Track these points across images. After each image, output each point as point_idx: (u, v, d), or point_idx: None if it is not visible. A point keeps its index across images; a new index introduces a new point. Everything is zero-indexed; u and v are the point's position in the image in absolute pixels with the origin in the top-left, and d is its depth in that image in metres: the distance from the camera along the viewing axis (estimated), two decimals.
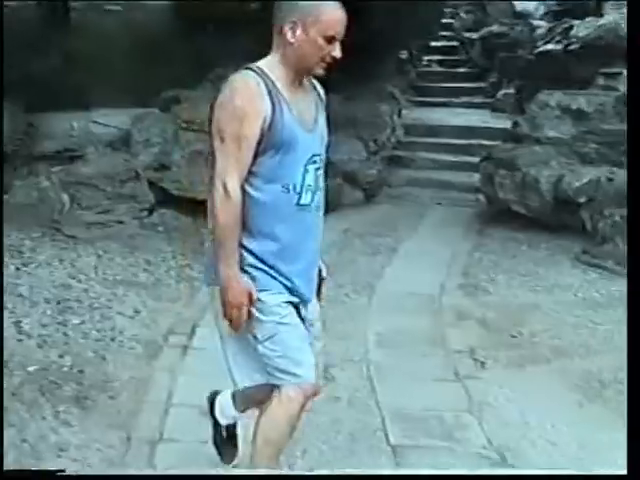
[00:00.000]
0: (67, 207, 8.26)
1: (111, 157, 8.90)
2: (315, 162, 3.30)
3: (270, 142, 3.15)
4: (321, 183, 3.35)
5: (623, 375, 5.22)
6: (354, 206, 10.10)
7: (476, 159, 10.33)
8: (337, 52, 3.23)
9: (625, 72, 12.38)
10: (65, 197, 8.31)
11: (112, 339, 5.59)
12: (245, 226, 3.24)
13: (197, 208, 8.81)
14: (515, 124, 10.48)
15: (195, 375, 5.14)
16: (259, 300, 3.26)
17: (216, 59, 10.93)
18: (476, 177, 10.10)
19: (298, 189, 3.25)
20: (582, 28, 14.55)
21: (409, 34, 13.38)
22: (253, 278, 3.26)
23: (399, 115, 12.92)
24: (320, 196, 3.36)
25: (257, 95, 3.14)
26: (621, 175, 8.34)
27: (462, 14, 17.28)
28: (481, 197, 9.97)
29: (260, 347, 3.31)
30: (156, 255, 7.53)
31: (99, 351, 5.36)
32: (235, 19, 11.73)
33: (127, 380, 4.99)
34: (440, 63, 16.63)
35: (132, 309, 6.17)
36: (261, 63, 3.25)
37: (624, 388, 5.06)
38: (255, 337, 3.31)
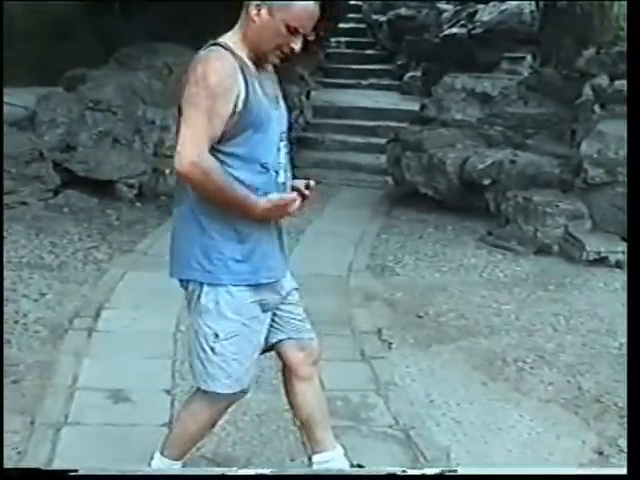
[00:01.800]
0: None
1: (16, 137, 8.72)
2: (283, 140, 3.27)
3: (246, 121, 3.08)
4: (288, 161, 3.31)
5: (525, 353, 5.37)
6: None
7: (384, 141, 10.41)
8: (297, 45, 3.18)
9: (529, 57, 12.65)
10: None
11: (16, 322, 5.49)
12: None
13: (104, 189, 8.75)
14: (422, 107, 10.60)
15: (100, 358, 5.09)
16: (229, 294, 3.20)
17: (122, 38, 10.79)
18: (384, 159, 10.18)
19: (275, 167, 3.21)
20: (486, 13, 14.79)
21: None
22: (227, 268, 3.18)
23: (307, 97, 12.94)
24: (289, 174, 3.32)
25: (232, 73, 3.05)
26: (524, 158, 8.52)
27: None
28: (389, 179, 10.05)
29: (217, 345, 3.23)
30: (62, 237, 7.43)
31: (3, 335, 5.26)
32: None
33: (32, 364, 4.91)
34: (348, 45, 16.70)
35: (37, 292, 6.07)
36: (227, 40, 3.15)
37: (525, 366, 5.20)
38: (216, 334, 3.23)
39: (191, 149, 3.02)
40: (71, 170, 8.76)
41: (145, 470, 3.28)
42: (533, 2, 12.08)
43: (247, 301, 3.24)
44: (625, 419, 4.46)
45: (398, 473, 2.78)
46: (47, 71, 10.15)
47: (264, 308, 3.30)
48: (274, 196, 3.16)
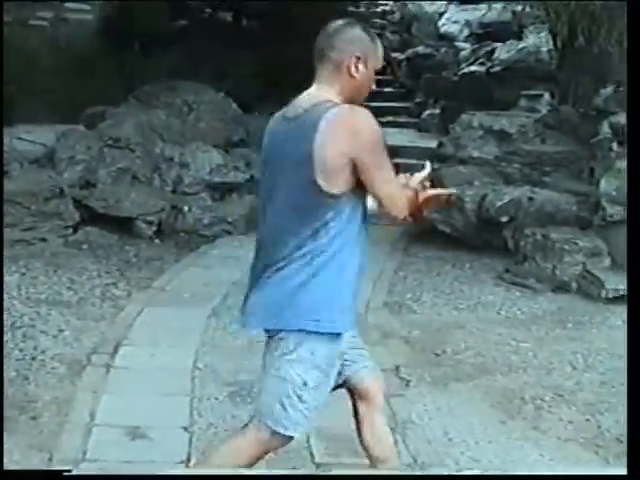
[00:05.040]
0: None
1: (35, 174, 8.81)
2: None
3: None
4: None
5: (543, 392, 5.34)
6: None
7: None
8: (374, 84, 3.38)
9: (546, 94, 12.68)
10: None
11: (34, 358, 5.51)
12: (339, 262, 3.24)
13: (122, 226, 8.80)
14: (440, 144, 10.61)
15: (118, 394, 5.10)
16: (327, 344, 3.27)
17: (141, 76, 10.91)
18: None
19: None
20: (504, 51, 14.85)
21: None
22: (341, 315, 3.28)
23: None
24: None
25: None
26: (542, 195, 8.51)
27: (388, 34, 17.47)
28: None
29: (305, 394, 3.28)
30: (80, 273, 7.45)
31: (21, 371, 5.28)
32: (161, 37, 11.74)
33: (49, 400, 4.92)
34: None
35: (56, 328, 6.09)
36: (331, 98, 3.22)
37: (544, 405, 5.17)
38: (305, 383, 3.27)
39: (401, 202, 3.30)
40: (90, 207, 8.82)
41: (144, 470, 3.27)
42: (551, 40, 12.10)
43: (335, 351, 3.31)
44: None
45: (398, 473, 2.77)
46: (67, 108, 10.25)
47: (339, 355, 3.37)
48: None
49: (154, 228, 8.93)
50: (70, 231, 8.48)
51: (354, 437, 4.42)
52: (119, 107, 10.15)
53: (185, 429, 4.66)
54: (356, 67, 3.22)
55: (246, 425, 3.43)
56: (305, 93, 3.28)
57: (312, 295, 3.21)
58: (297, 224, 3.21)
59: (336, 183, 3.14)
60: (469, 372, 5.67)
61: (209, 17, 13.49)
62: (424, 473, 2.75)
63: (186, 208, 9.24)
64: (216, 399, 5.10)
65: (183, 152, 9.62)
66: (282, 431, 3.33)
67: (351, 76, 3.23)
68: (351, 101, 3.24)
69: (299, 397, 3.28)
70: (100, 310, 6.64)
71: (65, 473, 2.68)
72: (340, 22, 3.30)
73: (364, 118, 3.15)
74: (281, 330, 3.27)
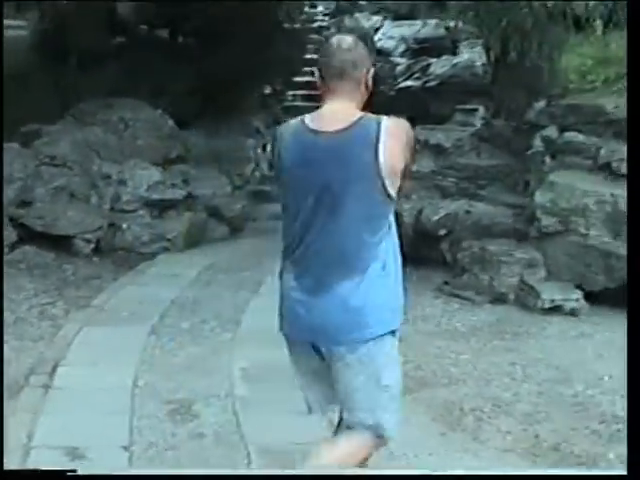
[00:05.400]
0: None
1: None
2: None
3: None
4: None
5: (482, 403, 5.39)
6: (219, 241, 10.11)
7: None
8: None
9: (481, 108, 12.85)
10: None
11: None
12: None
13: (60, 244, 8.71)
14: None
15: (56, 415, 5.04)
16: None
17: (77, 93, 10.81)
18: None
19: None
20: (439, 66, 15.03)
21: (273, 69, 13.54)
22: (395, 320, 3.45)
23: (264, 150, 13.02)
24: None
25: None
26: (478, 208, 8.61)
27: None
28: None
29: (397, 392, 3.46)
30: (18, 293, 7.37)
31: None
32: (97, 53, 11.65)
33: None
34: (305, 98, 16.82)
35: None
36: (356, 110, 3.39)
37: (483, 416, 5.22)
38: (398, 381, 3.48)
39: None
40: (27, 226, 8.74)
41: (144, 470, 3.25)
42: (484, 55, 12.28)
43: None
44: (583, 466, 4.50)
45: (398, 473, 2.79)
46: (2, 126, 10.12)
47: None
48: None
49: (92, 246, 8.87)
50: (7, 250, 8.38)
51: (295, 451, 4.43)
52: (55, 124, 10.07)
53: (125, 448, 4.61)
54: (370, 80, 3.44)
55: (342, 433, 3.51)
56: (330, 109, 3.40)
57: (381, 298, 3.36)
58: (369, 234, 3.31)
59: (395, 189, 3.31)
60: (409, 385, 5.67)
61: (146, 34, 13.44)
62: (424, 473, 2.77)
63: (124, 226, 9.20)
64: (156, 417, 5.07)
65: (121, 169, 9.58)
66: (392, 435, 3.50)
67: (367, 88, 3.44)
68: (361, 109, 3.43)
69: (396, 398, 3.46)
70: (38, 330, 6.57)
71: (69, 473, 2.66)
72: (349, 38, 3.44)
73: (410, 127, 3.40)
74: (369, 339, 3.33)
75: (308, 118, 3.40)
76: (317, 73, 3.48)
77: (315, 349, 3.39)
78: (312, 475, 3.29)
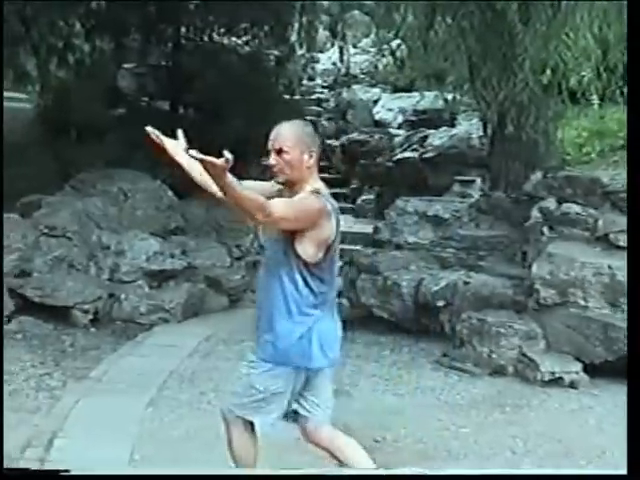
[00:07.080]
0: None
1: None
2: None
3: None
4: None
5: None
6: (218, 311, 10.09)
7: (339, 264, 10.46)
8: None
9: (479, 180, 12.95)
10: None
11: None
12: None
13: (58, 315, 8.70)
14: (376, 229, 10.72)
15: None
16: None
17: (77, 164, 10.89)
18: (339, 281, 10.22)
19: None
20: (437, 137, 15.17)
21: None
22: None
23: None
24: None
25: None
26: (477, 279, 8.62)
27: (324, 121, 17.75)
28: (344, 301, 10.08)
29: None
30: (14, 364, 7.32)
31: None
32: (97, 125, 11.77)
33: None
34: None
35: None
36: None
37: None
38: None
39: None
40: (25, 296, 8.73)
41: (142, 470, 3.21)
42: (482, 127, 12.41)
43: None
44: None
45: (397, 473, 2.75)
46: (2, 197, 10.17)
47: None
48: None
49: (90, 317, 8.85)
50: (4, 320, 8.36)
51: None
52: (55, 195, 10.11)
53: None
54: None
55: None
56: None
57: None
58: None
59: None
60: (410, 459, 5.64)
61: (146, 105, 13.58)
62: (424, 473, 2.74)
63: (123, 296, 9.19)
64: None
65: (120, 240, 9.59)
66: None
67: None
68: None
69: None
70: (35, 401, 6.52)
71: (62, 473, 2.63)
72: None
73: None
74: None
75: (324, 191, 4.42)
76: (315, 153, 4.33)
77: None
78: (312, 475, 3.24)
